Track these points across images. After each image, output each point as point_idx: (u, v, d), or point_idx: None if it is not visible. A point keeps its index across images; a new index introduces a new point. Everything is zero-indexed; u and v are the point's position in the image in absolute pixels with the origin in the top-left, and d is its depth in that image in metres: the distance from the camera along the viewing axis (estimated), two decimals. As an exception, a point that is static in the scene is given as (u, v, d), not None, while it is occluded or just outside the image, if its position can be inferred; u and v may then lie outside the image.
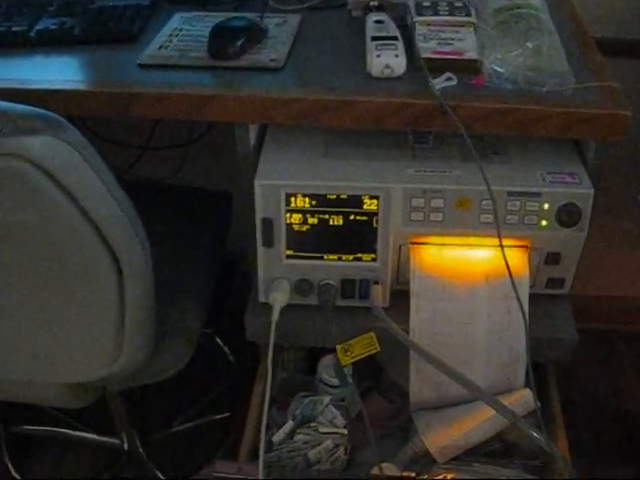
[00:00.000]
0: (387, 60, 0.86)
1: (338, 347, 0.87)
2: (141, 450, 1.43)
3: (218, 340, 1.61)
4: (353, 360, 0.88)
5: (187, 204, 1.25)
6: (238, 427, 1.01)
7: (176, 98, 0.86)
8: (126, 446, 1.43)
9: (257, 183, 0.89)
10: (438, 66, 0.87)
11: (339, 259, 0.94)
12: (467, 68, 0.87)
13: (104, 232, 0.79)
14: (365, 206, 0.89)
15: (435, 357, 0.91)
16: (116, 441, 1.43)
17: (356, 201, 0.89)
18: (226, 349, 1.61)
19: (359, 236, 0.92)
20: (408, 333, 0.92)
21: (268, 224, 0.91)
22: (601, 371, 1.59)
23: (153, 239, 0.87)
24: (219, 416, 1.49)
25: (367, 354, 0.88)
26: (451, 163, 0.92)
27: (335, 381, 1.02)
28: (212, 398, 1.52)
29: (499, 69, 0.87)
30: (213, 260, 1.17)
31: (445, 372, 0.91)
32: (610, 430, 1.47)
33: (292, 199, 0.90)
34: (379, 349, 0.89)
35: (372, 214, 0.90)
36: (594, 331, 1.40)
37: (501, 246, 0.84)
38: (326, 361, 1.05)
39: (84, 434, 1.47)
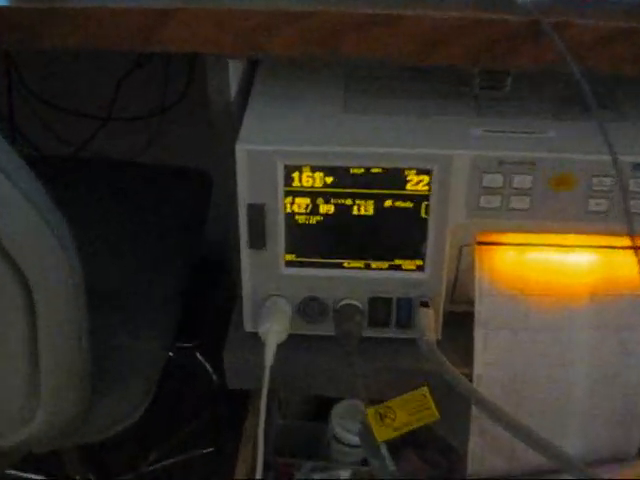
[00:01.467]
0: (447, -45, 0.63)
1: (370, 411, 0.56)
2: (102, 499, 1.26)
3: (199, 356, 1.44)
4: (396, 434, 0.57)
5: (155, 187, 1.10)
6: (223, 465, 0.93)
7: (112, 16, 0.63)
8: (82, 494, 1.25)
9: (240, 148, 0.63)
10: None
11: (367, 267, 0.68)
12: (571, -31, 0.63)
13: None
14: (409, 185, 0.64)
15: (509, 416, 0.65)
16: (70, 487, 1.27)
17: (395, 178, 0.64)
18: (209, 367, 1.43)
19: (399, 232, 0.67)
20: (470, 379, 0.67)
21: (258, 214, 0.66)
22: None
23: (107, 234, 0.80)
24: (201, 451, 1.32)
25: (418, 424, 0.57)
26: (539, 120, 0.68)
27: (354, 439, 0.79)
28: (192, 429, 1.35)
29: (621, -30, 0.63)
30: (186, 260, 0.99)
31: (524, 440, 0.63)
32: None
33: (295, 174, 0.64)
34: (438, 417, 0.58)
35: (420, 198, 0.65)
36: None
37: (635, 248, 0.56)
38: (341, 409, 0.83)
39: (32, 476, 1.28)
